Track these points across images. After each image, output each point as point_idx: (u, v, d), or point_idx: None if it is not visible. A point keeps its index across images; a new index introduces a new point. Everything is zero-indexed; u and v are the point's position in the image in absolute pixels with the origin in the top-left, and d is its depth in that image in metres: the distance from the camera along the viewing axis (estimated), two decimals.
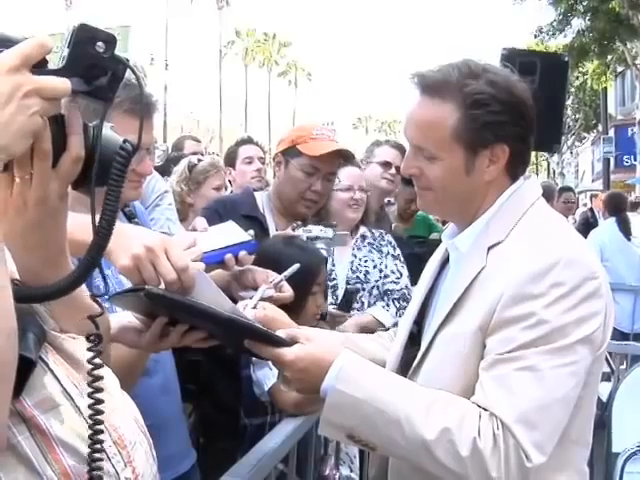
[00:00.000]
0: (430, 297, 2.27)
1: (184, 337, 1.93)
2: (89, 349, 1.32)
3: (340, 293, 4.27)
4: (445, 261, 2.28)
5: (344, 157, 3.67)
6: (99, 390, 1.29)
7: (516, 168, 2.14)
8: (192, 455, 2.79)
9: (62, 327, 1.39)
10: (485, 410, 1.87)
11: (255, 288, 2.49)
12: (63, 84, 1.16)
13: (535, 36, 29.95)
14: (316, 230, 3.42)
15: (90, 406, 1.28)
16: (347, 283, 4.37)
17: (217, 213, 3.52)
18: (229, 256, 2.45)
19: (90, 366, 1.31)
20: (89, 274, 1.28)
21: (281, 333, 2.03)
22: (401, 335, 2.32)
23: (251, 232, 2.58)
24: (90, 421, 1.27)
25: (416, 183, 2.18)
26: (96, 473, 1.25)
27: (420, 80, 2.11)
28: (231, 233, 2.55)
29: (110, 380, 1.42)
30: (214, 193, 4.90)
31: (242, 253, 2.48)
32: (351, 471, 3.70)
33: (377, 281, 4.46)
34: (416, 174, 2.15)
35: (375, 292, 4.46)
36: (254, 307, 2.22)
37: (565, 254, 1.96)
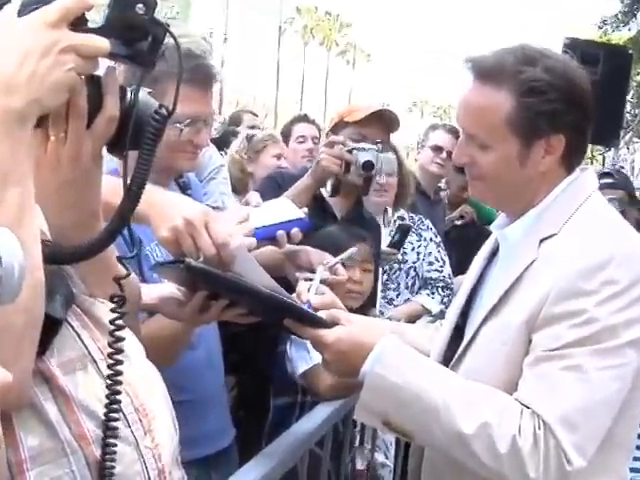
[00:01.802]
0: (478, 288, 2.21)
1: (225, 312, 1.93)
2: (113, 310, 1.31)
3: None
4: (494, 251, 2.21)
5: (388, 122, 3.56)
6: (120, 351, 1.27)
7: (572, 159, 2.06)
8: (232, 431, 2.78)
9: (92, 292, 1.39)
10: (527, 408, 1.81)
11: (310, 269, 2.46)
12: (101, 43, 1.16)
13: (599, 27, 29.41)
14: (361, 144, 3.37)
15: (110, 366, 1.26)
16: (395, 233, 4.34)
17: (276, 183, 3.54)
18: (281, 233, 2.41)
19: (112, 327, 1.30)
20: (117, 235, 1.27)
21: (322, 314, 1.99)
22: (446, 326, 2.26)
23: (305, 210, 2.54)
24: (109, 381, 1.25)
25: (468, 172, 2.11)
26: (110, 440, 1.24)
27: (474, 65, 2.04)
28: (284, 209, 2.51)
29: (135, 349, 1.41)
30: (274, 161, 4.93)
31: (294, 230, 2.43)
32: (386, 458, 3.68)
33: (414, 262, 4.44)
34: (468, 163, 2.08)
35: (412, 273, 4.45)
36: (316, 292, 2.16)
37: (620, 251, 1.89)
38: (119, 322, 1.30)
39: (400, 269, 4.44)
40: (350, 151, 3.33)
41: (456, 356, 2.08)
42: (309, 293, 2.10)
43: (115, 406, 1.25)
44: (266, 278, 1.90)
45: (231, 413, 2.91)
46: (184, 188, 2.73)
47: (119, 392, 1.26)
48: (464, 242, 4.53)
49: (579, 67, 2.06)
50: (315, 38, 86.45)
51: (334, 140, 3.39)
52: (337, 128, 3.56)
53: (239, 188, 4.61)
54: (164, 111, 1.26)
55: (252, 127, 6.04)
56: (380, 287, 4.22)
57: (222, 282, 1.82)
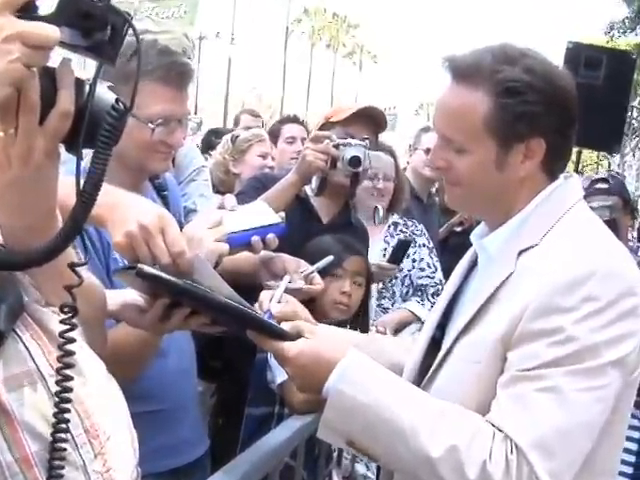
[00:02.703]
0: (456, 300, 2.11)
1: (188, 320, 1.84)
2: (62, 321, 1.21)
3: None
4: (474, 262, 2.12)
5: (375, 119, 3.46)
6: (69, 366, 1.18)
7: (554, 165, 1.95)
8: (205, 441, 2.72)
9: (48, 300, 1.29)
10: (500, 431, 1.70)
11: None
12: (51, 31, 1.04)
13: (606, 33, 29.31)
14: (348, 140, 3.26)
15: (58, 382, 1.17)
16: None
17: (261, 183, 3.43)
18: (256, 238, 2.32)
19: (62, 340, 1.20)
20: (72, 239, 1.18)
21: (285, 325, 1.89)
22: (423, 338, 2.15)
23: (282, 214, 2.45)
24: (56, 399, 1.16)
25: (444, 177, 2.02)
26: (57, 462, 1.15)
27: (451, 65, 1.94)
28: (260, 214, 2.41)
29: (90, 363, 1.31)
30: (260, 160, 4.85)
31: (270, 236, 2.35)
32: (368, 469, 3.60)
33: (410, 270, 4.36)
34: (444, 167, 1.97)
35: (407, 282, 4.37)
36: (279, 302, 2.07)
37: (602, 265, 1.78)
38: (69, 335, 1.20)
39: (396, 277, 4.36)
40: (337, 147, 3.22)
41: (431, 370, 1.97)
42: (270, 302, 2.01)
43: (63, 426, 1.16)
44: (225, 287, 1.81)
45: (210, 420, 2.84)
46: (160, 189, 2.67)
47: (67, 411, 1.17)
48: (464, 249, 4.46)
49: (562, 68, 1.97)
50: (322, 39, 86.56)
51: (320, 135, 3.29)
52: (323, 129, 3.46)
53: (223, 190, 4.53)
54: (121, 106, 1.17)
55: (248, 129, 5.96)
56: (375, 295, 4.16)
57: (176, 289, 1.72)
